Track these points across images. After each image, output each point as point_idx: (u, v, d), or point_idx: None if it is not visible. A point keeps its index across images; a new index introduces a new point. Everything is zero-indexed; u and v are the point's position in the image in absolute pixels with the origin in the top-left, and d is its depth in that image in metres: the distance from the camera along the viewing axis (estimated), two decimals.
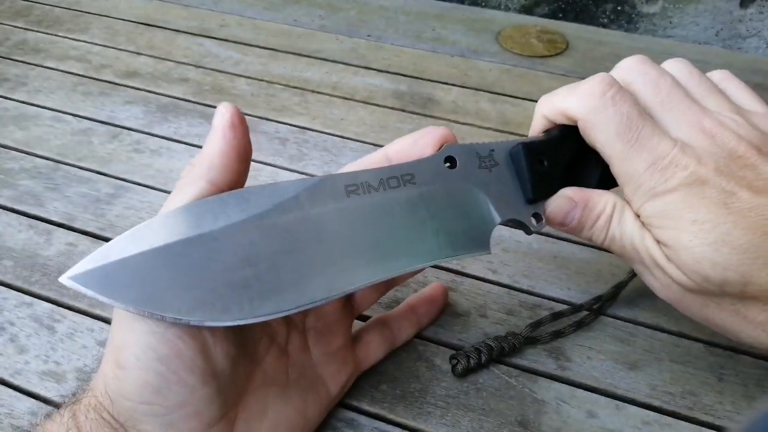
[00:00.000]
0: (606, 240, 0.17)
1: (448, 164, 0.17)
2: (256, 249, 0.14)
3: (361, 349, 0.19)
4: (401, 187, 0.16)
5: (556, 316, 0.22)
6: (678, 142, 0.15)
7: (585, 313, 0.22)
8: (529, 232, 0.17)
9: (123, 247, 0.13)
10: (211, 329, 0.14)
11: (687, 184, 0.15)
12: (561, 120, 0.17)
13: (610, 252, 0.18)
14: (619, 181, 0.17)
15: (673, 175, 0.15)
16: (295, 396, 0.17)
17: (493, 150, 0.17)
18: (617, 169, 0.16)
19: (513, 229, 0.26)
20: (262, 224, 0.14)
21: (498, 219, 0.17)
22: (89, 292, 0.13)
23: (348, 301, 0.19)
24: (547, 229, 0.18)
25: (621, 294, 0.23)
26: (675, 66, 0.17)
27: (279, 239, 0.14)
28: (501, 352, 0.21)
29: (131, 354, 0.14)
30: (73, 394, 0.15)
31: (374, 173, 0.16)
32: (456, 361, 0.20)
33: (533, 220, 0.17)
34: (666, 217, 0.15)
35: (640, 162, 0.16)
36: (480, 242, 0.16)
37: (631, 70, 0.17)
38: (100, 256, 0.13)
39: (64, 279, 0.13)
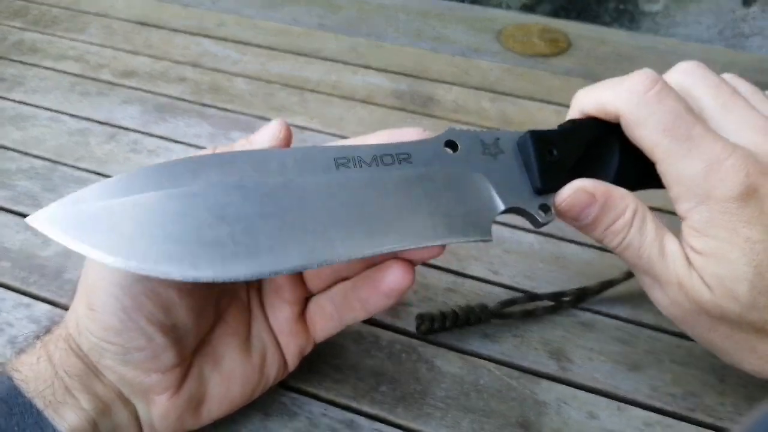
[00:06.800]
0: (621, 245, 0.16)
1: (448, 148, 0.16)
2: (233, 210, 0.14)
3: (309, 322, 0.18)
4: (395, 164, 0.15)
5: (532, 297, 0.22)
6: (738, 147, 0.15)
7: (558, 300, 0.22)
8: (537, 224, 0.16)
9: (96, 194, 0.13)
10: (179, 287, 0.15)
11: (747, 193, 0.14)
12: (599, 115, 0.17)
13: (618, 257, 0.16)
14: (665, 181, 0.16)
15: (733, 180, 0.14)
16: (254, 351, 0.17)
17: (498, 138, 0.16)
18: (664, 168, 0.15)
19: (514, 230, 0.26)
20: (242, 186, 0.14)
21: (501, 206, 0.16)
22: (55, 233, 0.13)
23: (300, 276, 0.18)
24: (548, 229, 0.17)
25: (620, 294, 0.23)
26: (729, 77, 0.17)
27: (258, 203, 0.14)
28: (466, 320, 0.21)
29: (98, 299, 0.15)
30: (46, 329, 0.17)
31: (368, 149, 0.15)
32: (421, 321, 0.21)
33: (541, 212, 0.16)
34: (717, 226, 0.14)
35: (694, 162, 0.14)
36: (480, 228, 0.15)
37: (689, 73, 0.16)
38: (71, 200, 0.13)
39: (30, 219, 0.13)
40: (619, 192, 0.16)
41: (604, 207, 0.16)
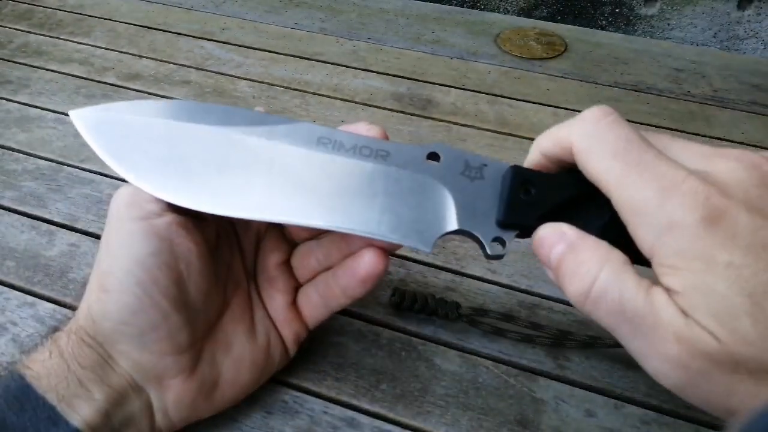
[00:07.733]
0: (591, 296, 0.13)
1: (431, 159, 0.16)
2: (210, 154, 0.16)
3: (300, 309, 0.19)
4: (371, 158, 0.16)
5: (507, 317, 0.22)
6: (694, 171, 0.13)
7: (534, 332, 0.21)
8: (486, 255, 0.16)
9: (119, 109, 0.17)
10: (189, 259, 0.17)
11: (712, 217, 0.12)
12: (559, 154, 0.15)
13: (596, 321, 0.14)
14: (620, 214, 0.14)
15: (693, 204, 0.12)
16: (259, 336, 0.19)
17: (486, 165, 0.16)
18: (618, 197, 0.14)
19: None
20: (228, 137, 0.16)
21: (455, 226, 0.16)
22: (82, 129, 0.17)
23: (288, 268, 0.19)
24: None
25: None
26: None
27: (234, 154, 0.16)
28: (434, 312, 0.22)
29: (115, 278, 0.16)
30: (54, 329, 0.17)
31: (352, 137, 0.17)
32: (393, 293, 0.22)
33: (495, 244, 0.15)
34: (690, 256, 0.12)
35: (647, 187, 0.13)
36: (423, 238, 0.15)
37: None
38: (102, 107, 0.17)
39: (73, 113, 0.17)
40: (593, 240, 0.14)
41: (570, 247, 0.14)
